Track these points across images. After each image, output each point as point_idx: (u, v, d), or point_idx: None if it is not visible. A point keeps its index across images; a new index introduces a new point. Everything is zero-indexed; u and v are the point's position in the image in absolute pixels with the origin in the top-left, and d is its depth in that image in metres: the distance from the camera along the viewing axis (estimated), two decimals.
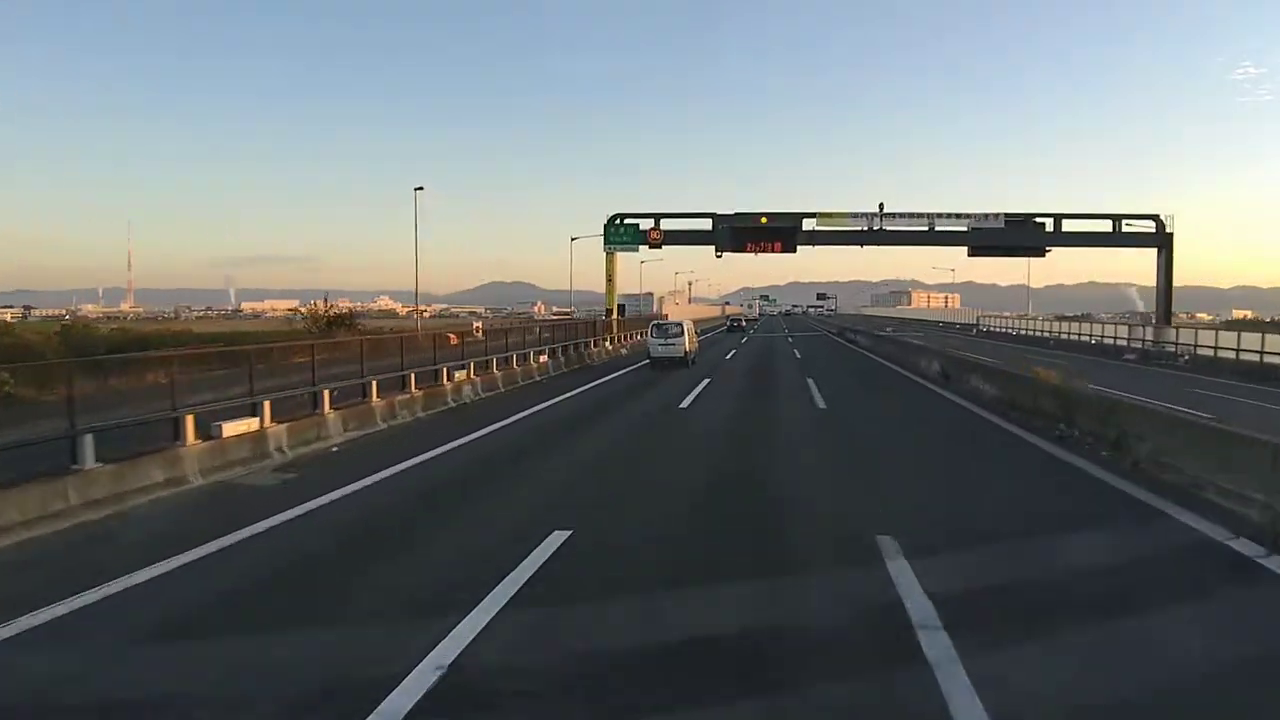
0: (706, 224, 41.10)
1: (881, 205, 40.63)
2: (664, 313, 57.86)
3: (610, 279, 41.73)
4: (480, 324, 31.46)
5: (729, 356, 35.02)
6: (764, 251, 40.31)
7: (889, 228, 40.64)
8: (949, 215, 40.86)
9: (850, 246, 41.77)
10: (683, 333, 29.32)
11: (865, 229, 40.60)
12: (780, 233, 40.27)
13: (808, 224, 40.75)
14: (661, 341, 29.12)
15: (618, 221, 41.43)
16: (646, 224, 41.22)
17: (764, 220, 40.21)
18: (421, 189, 46.48)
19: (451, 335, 22.49)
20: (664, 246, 41.31)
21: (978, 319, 71.50)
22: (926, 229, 40.80)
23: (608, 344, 36.34)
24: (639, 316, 59.26)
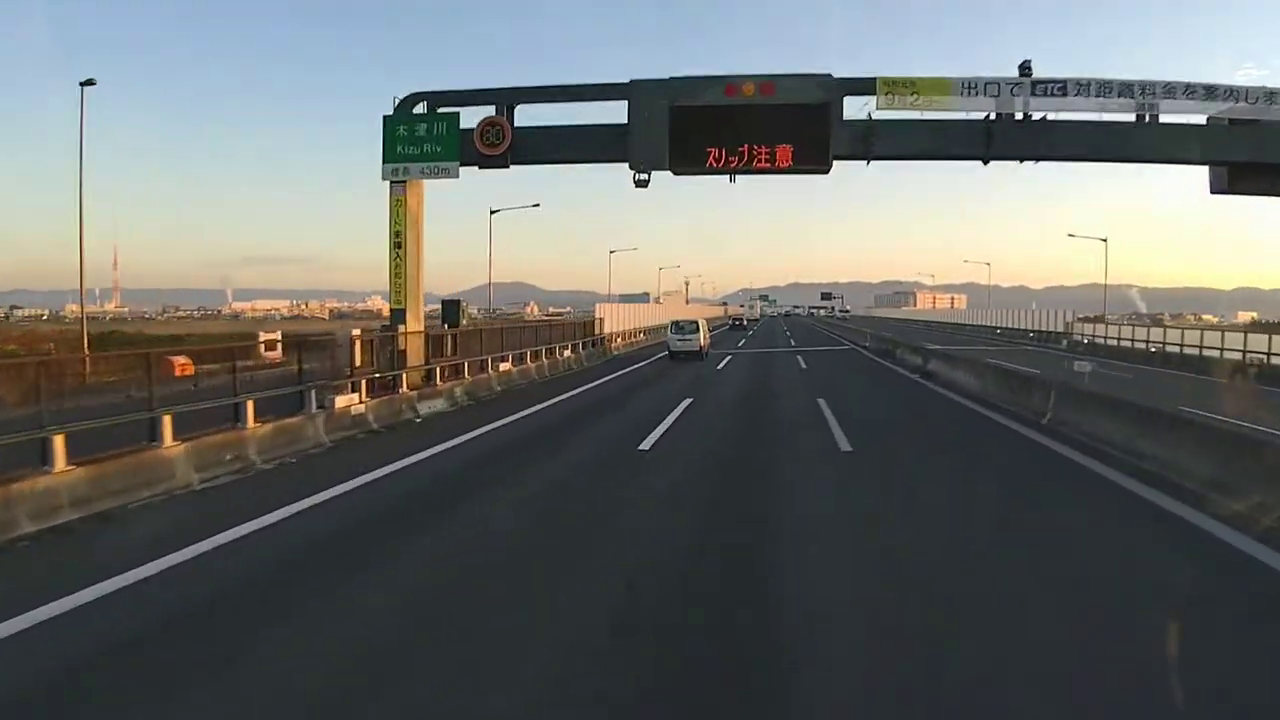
0: (618, 111, 16.55)
1: (1027, 67, 16.25)
2: (599, 317, 34.05)
3: (399, 241, 17.27)
4: (276, 335, 16.95)
5: (645, 446, 10.91)
6: (751, 168, 15.52)
7: (1049, 112, 16.14)
8: (1180, 87, 16.32)
9: (953, 161, 17.08)
10: (698, 330, 31.77)
11: (992, 117, 16.11)
12: (795, 119, 15.62)
13: (854, 107, 16.15)
14: (680, 338, 31.51)
15: (416, 110, 17.13)
16: (480, 115, 16.88)
17: (749, 91, 15.56)
18: (91, 83, 22.69)
19: (179, 360, 13.68)
20: (515, 165, 16.65)
21: (1068, 326, 46.67)
22: (1134, 119, 16.28)
23: (358, 400, 12.72)
24: (562, 321, 35.97)
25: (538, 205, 45.74)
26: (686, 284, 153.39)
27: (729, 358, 32.13)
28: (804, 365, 27.91)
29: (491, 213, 45.01)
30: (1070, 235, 55.46)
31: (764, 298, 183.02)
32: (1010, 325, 58.58)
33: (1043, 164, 16.32)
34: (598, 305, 35.39)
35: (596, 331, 33.70)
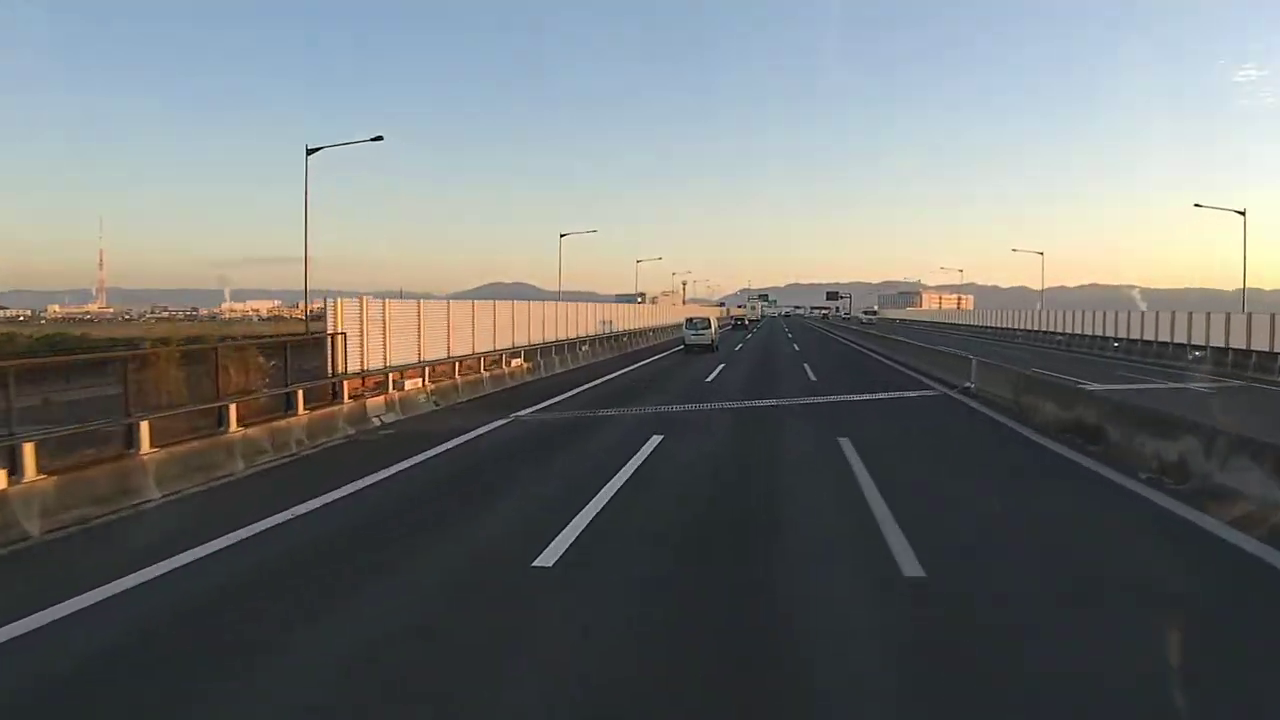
0: None
1: None
2: (335, 331, 12.33)
3: None
4: None
5: None
6: None
7: None
8: None
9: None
10: (710, 326, 35.34)
11: None
12: None
13: None
14: (694, 333, 34.60)
15: None
16: None
17: None
18: None
19: None
20: None
21: None
22: None
23: None
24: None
25: (380, 138, 26.65)
26: (684, 285, 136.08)
27: (654, 447, 11.03)
28: (908, 564, 6.38)
29: (308, 151, 24.71)
30: (1197, 205, 39.04)
31: (763, 297, 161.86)
32: (1088, 331, 42.39)
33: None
34: (329, 301, 14.30)
35: (334, 370, 12.50)
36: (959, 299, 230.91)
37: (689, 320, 36.79)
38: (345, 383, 13.54)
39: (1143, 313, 37.78)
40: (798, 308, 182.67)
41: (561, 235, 46.72)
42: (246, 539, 7.04)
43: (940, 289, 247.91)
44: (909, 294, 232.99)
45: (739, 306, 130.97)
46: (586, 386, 20.46)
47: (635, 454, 10.66)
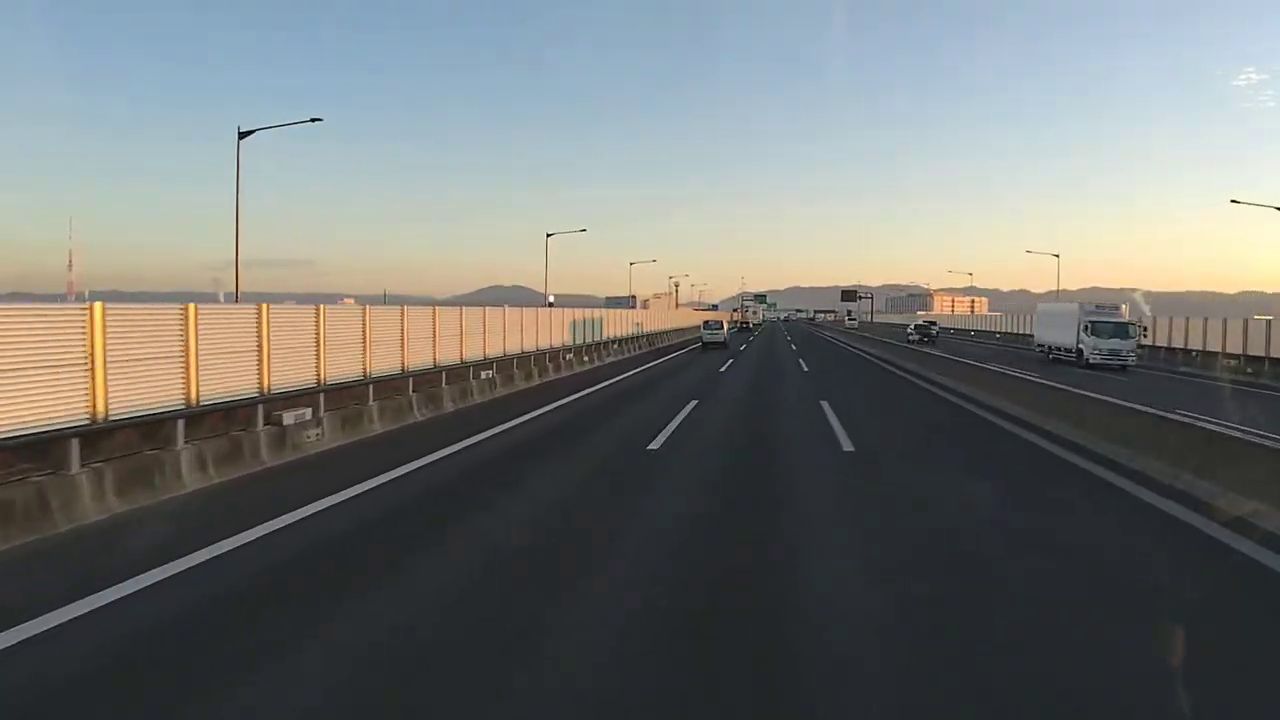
0: None
1: None
2: None
3: None
4: None
5: None
6: None
7: None
8: None
9: None
10: (722, 327, 43.68)
11: None
12: None
13: None
14: (710, 332, 42.15)
15: None
16: None
17: None
18: None
19: None
20: None
21: None
22: None
23: None
24: None
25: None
26: (676, 286, 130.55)
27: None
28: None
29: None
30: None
31: (760, 298, 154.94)
32: None
33: None
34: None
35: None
36: (973, 301, 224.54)
37: (705, 323, 44.54)
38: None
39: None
40: (799, 311, 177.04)
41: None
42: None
43: (948, 291, 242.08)
44: (918, 297, 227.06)
45: (734, 310, 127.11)
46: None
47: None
